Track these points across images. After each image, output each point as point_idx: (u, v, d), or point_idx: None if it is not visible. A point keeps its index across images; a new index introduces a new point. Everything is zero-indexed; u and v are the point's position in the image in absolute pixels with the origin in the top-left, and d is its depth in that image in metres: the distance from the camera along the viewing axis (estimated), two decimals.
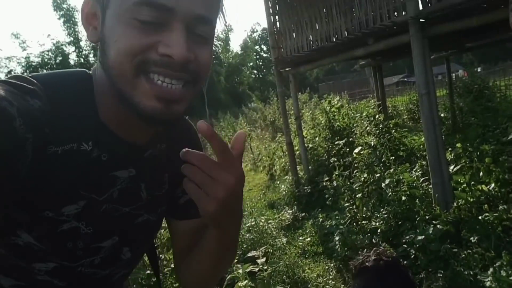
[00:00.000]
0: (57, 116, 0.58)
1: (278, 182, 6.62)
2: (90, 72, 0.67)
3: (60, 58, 29.55)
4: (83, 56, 30.82)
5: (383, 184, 3.69)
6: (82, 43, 30.54)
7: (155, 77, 0.57)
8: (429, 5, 3.51)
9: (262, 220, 4.15)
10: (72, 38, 30.06)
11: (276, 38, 5.58)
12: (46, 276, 0.63)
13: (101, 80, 0.63)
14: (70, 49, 30.64)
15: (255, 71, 52.57)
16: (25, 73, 0.56)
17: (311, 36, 5.00)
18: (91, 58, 30.89)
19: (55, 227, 0.61)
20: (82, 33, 29.04)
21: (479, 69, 13.34)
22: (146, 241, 0.80)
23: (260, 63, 52.20)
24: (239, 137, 0.60)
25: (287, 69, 5.66)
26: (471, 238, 2.94)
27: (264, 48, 51.69)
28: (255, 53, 51.65)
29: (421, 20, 3.52)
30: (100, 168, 0.64)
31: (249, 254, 2.58)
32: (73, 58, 30.82)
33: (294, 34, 5.32)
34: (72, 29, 29.69)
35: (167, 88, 0.57)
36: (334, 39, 4.58)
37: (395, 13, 3.89)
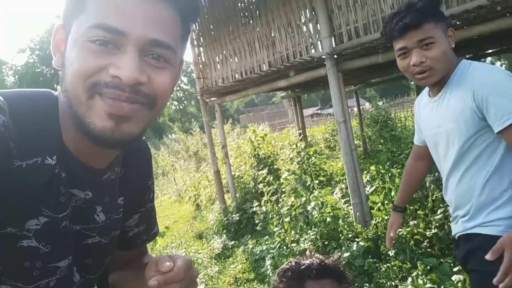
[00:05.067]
0: (20, 131, 0.57)
1: (205, 212, 6.53)
2: (56, 93, 0.67)
3: None
4: None
5: (309, 207, 3.87)
6: None
7: (106, 98, 0.58)
8: (342, 42, 3.92)
9: (192, 251, 4.05)
10: None
11: (201, 69, 5.70)
12: None
13: (62, 103, 0.63)
14: None
15: (176, 103, 52.12)
16: None
17: (236, 68, 5.21)
18: None
19: (15, 243, 0.58)
20: None
21: (380, 103, 14.99)
22: (96, 266, 0.77)
23: (181, 95, 52.00)
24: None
25: (213, 99, 5.76)
26: (389, 252, 3.20)
27: (185, 80, 51.79)
28: None
29: (335, 56, 3.91)
30: (61, 184, 0.63)
31: None
32: None
33: (219, 65, 5.48)
34: None
35: (119, 103, 0.58)
36: (258, 71, 4.82)
37: (313, 49, 4.26)
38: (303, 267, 1.09)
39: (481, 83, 1.23)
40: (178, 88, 51.67)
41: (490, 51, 7.07)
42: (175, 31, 0.63)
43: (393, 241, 1.78)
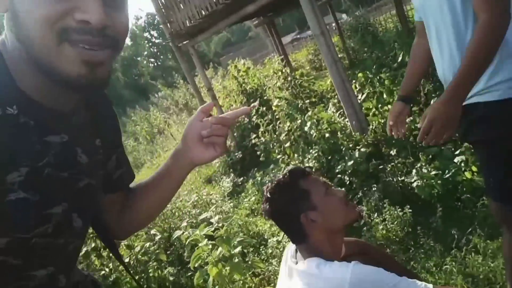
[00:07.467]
0: None
1: None
2: None
3: None
4: None
5: (306, 128, 3.89)
6: None
7: (77, 46, 0.58)
8: None
9: (204, 194, 4.15)
10: None
11: (165, 13, 5.40)
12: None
13: (14, 51, 0.61)
14: None
15: (152, 59, 50.56)
16: None
17: (199, 3, 4.92)
18: None
19: (1, 199, 0.57)
20: None
21: (357, 13, 14.46)
22: (92, 207, 0.78)
23: (155, 50, 50.23)
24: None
25: (185, 42, 5.53)
26: (391, 152, 3.27)
27: (155, 34, 49.67)
28: (146, 41, 49.47)
29: None
30: (31, 133, 0.61)
31: (201, 217, 2.58)
32: None
33: (181, 5, 5.19)
34: None
35: (92, 51, 0.58)
36: (223, 1, 4.56)
37: None
38: (289, 173, 1.24)
39: None
40: (150, 43, 49.85)
41: None
42: None
43: (403, 132, 1.59)
